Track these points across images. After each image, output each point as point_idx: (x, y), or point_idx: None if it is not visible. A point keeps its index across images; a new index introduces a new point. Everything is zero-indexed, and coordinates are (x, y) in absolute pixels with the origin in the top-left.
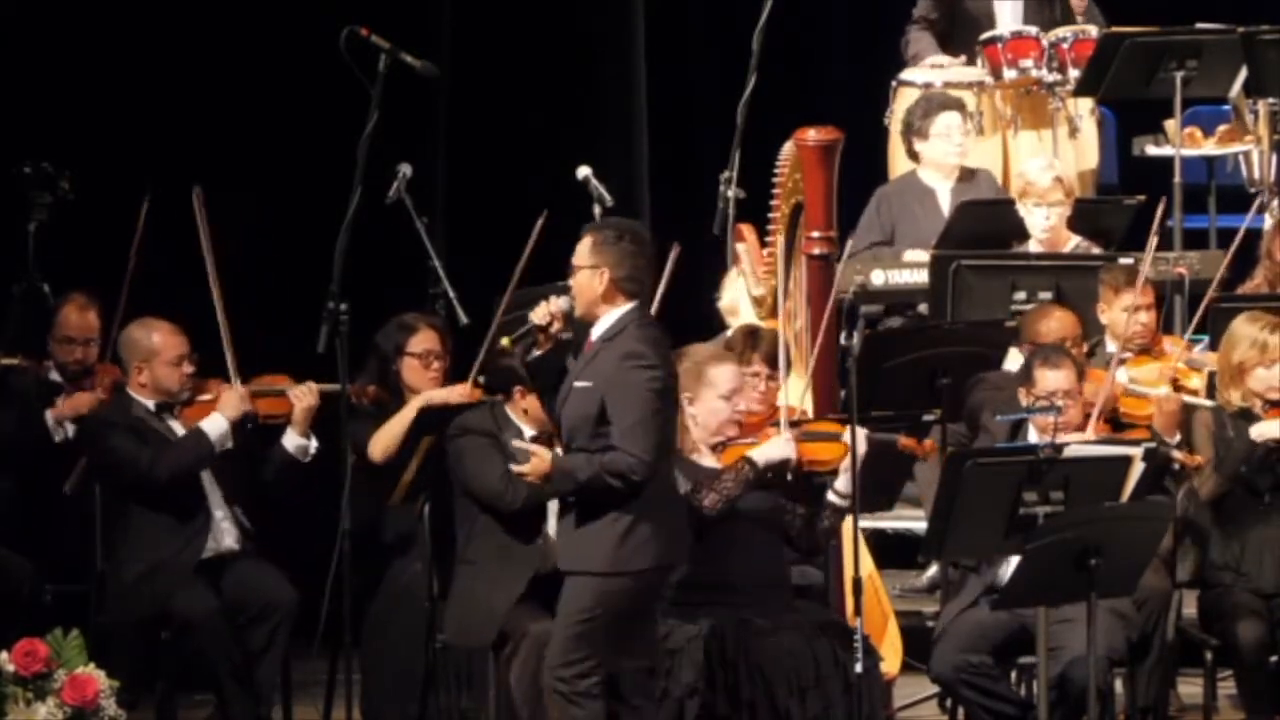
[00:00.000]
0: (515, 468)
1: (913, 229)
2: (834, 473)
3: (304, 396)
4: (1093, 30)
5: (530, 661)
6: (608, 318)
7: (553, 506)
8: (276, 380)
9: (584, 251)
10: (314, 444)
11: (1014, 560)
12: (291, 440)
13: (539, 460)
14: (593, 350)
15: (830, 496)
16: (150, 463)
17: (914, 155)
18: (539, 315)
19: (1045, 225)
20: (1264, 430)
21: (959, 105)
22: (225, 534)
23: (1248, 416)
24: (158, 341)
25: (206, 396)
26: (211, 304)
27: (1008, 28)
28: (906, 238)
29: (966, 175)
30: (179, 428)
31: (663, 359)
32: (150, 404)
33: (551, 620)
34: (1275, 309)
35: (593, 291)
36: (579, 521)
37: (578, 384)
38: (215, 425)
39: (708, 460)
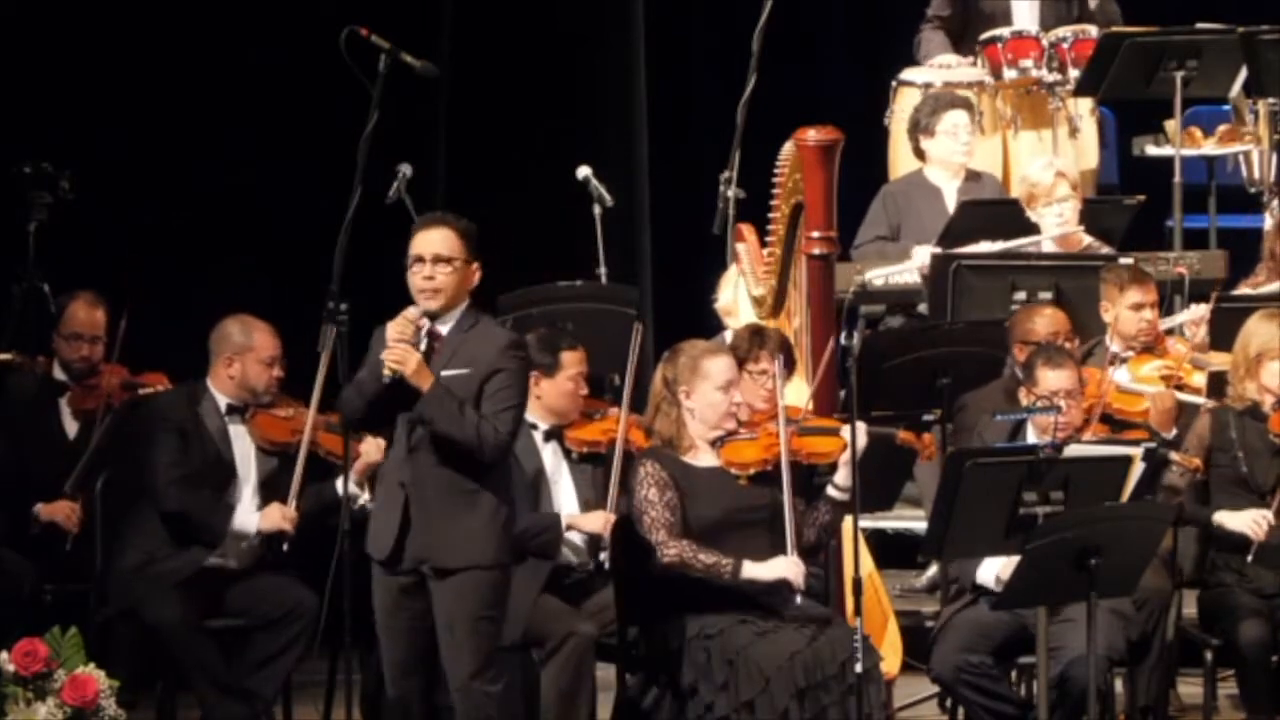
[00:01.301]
0: (388, 355)
1: (917, 227)
2: (833, 468)
3: (370, 453)
4: (1093, 30)
5: (572, 662)
6: (458, 311)
7: None
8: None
9: (457, 246)
10: (366, 496)
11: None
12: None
13: (412, 354)
14: (452, 342)
15: (830, 491)
16: (167, 485)
17: (920, 154)
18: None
19: (1059, 223)
20: (1224, 520)
21: (966, 104)
22: (236, 553)
23: (1255, 415)
24: (257, 339)
25: (282, 412)
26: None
27: (1014, 27)
28: (911, 236)
29: (972, 176)
30: (241, 434)
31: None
32: (224, 402)
33: (586, 618)
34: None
35: (464, 285)
36: (460, 518)
37: (447, 373)
38: (244, 522)
39: (706, 459)
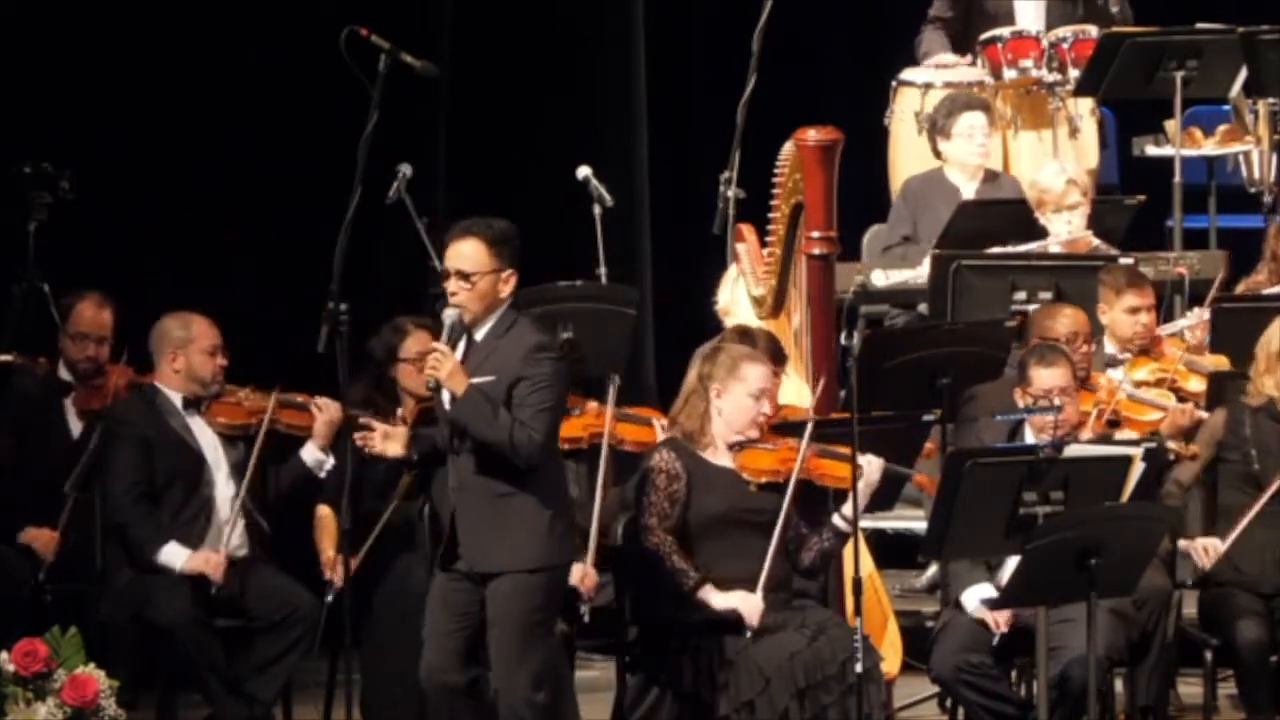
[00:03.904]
0: (427, 363)
1: (933, 225)
2: (842, 494)
3: (326, 410)
4: (1093, 30)
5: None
6: (493, 317)
7: None
8: (300, 393)
9: (484, 257)
10: (331, 460)
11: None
12: (310, 454)
13: (448, 358)
14: (484, 349)
15: (835, 519)
16: (119, 495)
17: (938, 154)
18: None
19: (1069, 229)
20: (1181, 544)
21: (984, 105)
22: (230, 540)
23: (1271, 413)
24: (195, 330)
25: (234, 399)
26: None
27: (1015, 27)
28: (926, 234)
29: (991, 177)
30: (202, 426)
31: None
32: (178, 398)
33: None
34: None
35: (496, 295)
36: (501, 523)
37: (476, 380)
38: (171, 557)
39: (722, 459)
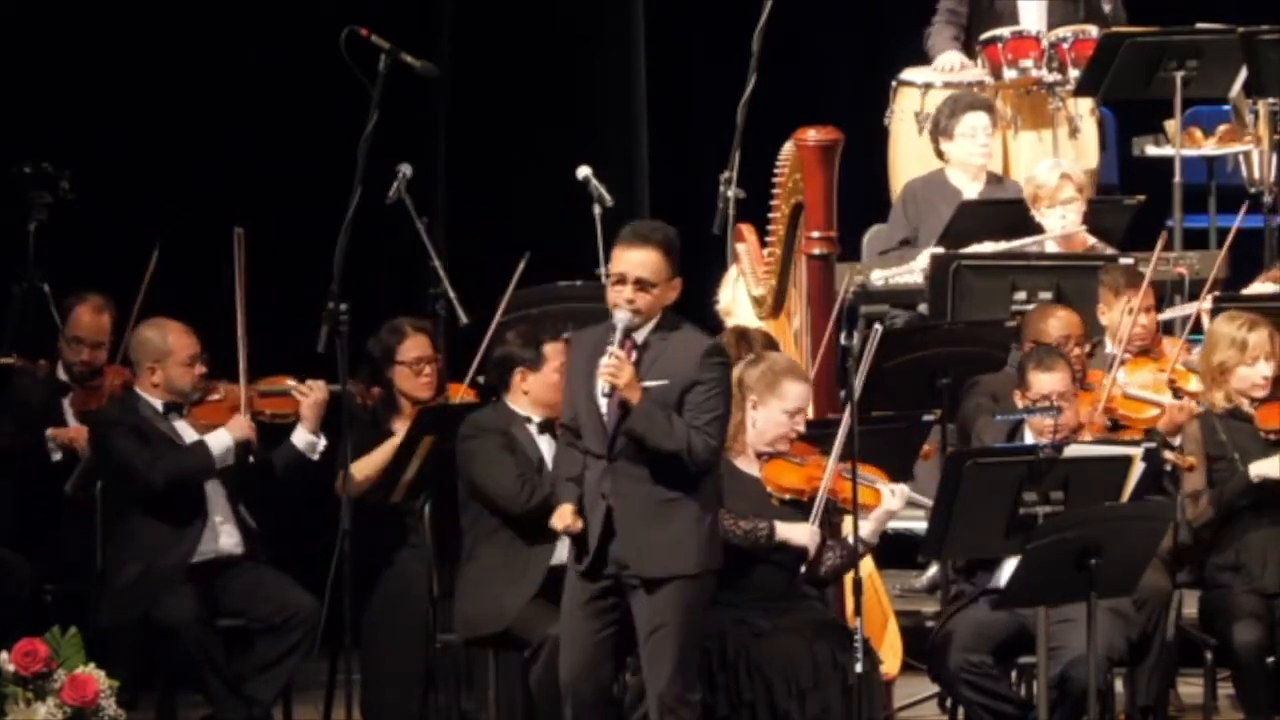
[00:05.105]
0: (604, 369)
1: (935, 228)
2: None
3: (313, 392)
4: (1093, 30)
5: (552, 665)
6: (656, 317)
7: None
8: (280, 380)
9: (663, 266)
10: (323, 441)
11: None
12: (301, 437)
13: (625, 365)
14: (653, 351)
15: (849, 538)
16: (149, 466)
17: (940, 154)
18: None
19: (1062, 225)
20: (1262, 469)
21: (987, 106)
22: (224, 536)
23: (1238, 415)
24: (172, 342)
25: (215, 396)
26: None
27: (1015, 27)
28: (928, 236)
29: (994, 179)
30: (185, 427)
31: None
32: (158, 404)
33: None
34: (1277, 309)
35: (664, 301)
36: (664, 527)
37: (648, 383)
38: (219, 441)
39: (751, 468)
